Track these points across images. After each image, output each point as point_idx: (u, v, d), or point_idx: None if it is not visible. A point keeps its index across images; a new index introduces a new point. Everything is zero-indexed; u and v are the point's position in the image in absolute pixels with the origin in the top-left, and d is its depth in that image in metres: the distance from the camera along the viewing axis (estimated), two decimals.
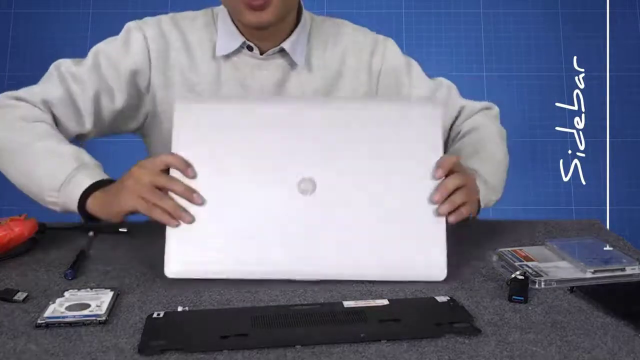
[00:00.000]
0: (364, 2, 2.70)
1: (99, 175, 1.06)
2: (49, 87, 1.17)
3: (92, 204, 1.03)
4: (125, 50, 1.19)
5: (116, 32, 1.23)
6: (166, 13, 1.25)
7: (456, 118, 1.30)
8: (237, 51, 1.19)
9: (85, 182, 1.04)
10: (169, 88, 1.21)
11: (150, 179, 0.93)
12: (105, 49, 1.20)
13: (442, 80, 1.32)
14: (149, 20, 1.23)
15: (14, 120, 1.12)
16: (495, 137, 1.24)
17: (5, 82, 2.58)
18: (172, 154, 0.92)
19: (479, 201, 1.07)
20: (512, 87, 2.71)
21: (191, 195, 0.91)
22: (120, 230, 1.13)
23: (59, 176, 1.05)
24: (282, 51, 1.19)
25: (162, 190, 0.93)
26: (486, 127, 1.26)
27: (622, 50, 2.72)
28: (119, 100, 1.20)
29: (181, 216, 0.90)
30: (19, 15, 2.67)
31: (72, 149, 1.10)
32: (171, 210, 0.91)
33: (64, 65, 1.19)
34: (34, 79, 1.22)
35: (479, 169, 1.12)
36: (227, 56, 1.20)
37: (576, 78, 2.71)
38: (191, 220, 0.90)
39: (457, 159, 0.94)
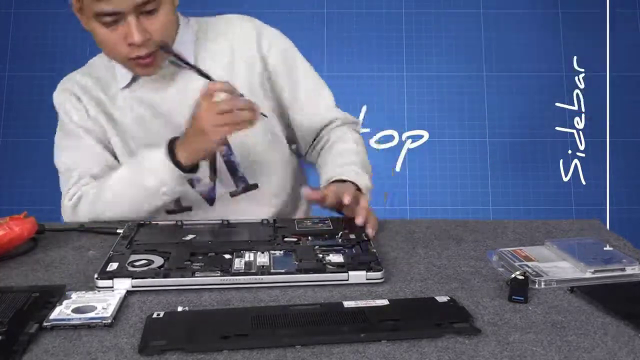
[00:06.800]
0: (364, 2, 2.70)
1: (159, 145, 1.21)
2: (82, 173, 1.31)
3: (184, 158, 1.18)
4: (67, 113, 1.32)
5: None
6: None
7: (325, 126, 1.42)
8: (134, 79, 1.30)
9: (159, 149, 1.19)
10: (101, 125, 1.32)
11: (218, 109, 1.13)
12: (62, 126, 1.34)
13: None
14: (62, 80, 1.35)
15: (88, 198, 1.29)
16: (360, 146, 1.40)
17: (5, 82, 2.58)
18: (214, 82, 1.16)
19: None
20: (512, 87, 2.71)
21: (251, 104, 1.13)
22: (118, 231, 1.13)
23: (141, 165, 1.22)
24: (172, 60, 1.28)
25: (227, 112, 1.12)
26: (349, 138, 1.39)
27: (622, 50, 2.72)
28: (105, 135, 1.33)
29: (256, 114, 1.13)
30: (19, 15, 2.67)
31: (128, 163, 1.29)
32: (251, 117, 1.13)
33: (63, 159, 1.34)
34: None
35: (357, 162, 1.32)
36: (129, 84, 1.31)
37: (576, 78, 2.71)
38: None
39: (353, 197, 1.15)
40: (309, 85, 1.39)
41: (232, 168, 1.33)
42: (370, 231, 1.10)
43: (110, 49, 1.21)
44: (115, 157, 1.34)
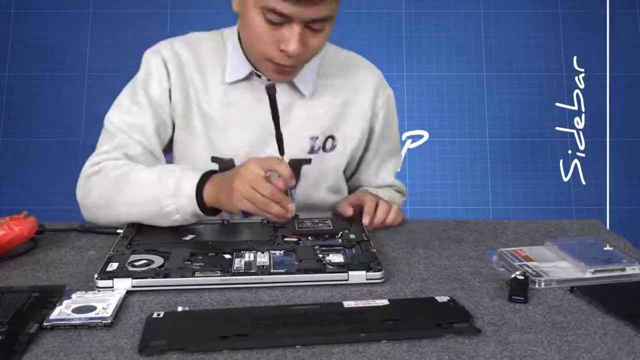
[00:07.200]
0: (364, 2, 2.70)
1: (199, 170, 1.12)
2: (122, 143, 1.21)
3: (208, 197, 1.10)
4: (148, 80, 1.24)
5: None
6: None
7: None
8: (246, 77, 1.23)
9: (194, 177, 1.10)
10: (186, 103, 1.25)
11: (256, 187, 1.02)
12: (135, 89, 1.24)
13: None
14: (162, 43, 1.27)
15: (106, 178, 1.17)
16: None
17: (5, 82, 2.58)
18: (280, 161, 1.06)
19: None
20: (512, 87, 2.71)
21: (286, 203, 1.03)
22: (118, 231, 1.13)
23: (169, 183, 1.10)
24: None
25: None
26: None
27: (622, 50, 2.72)
28: (171, 125, 1.26)
29: (286, 218, 1.05)
30: (19, 15, 2.67)
31: (164, 165, 1.21)
32: (278, 214, 1.04)
33: (116, 118, 1.23)
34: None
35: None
36: (236, 82, 1.23)
37: (576, 78, 2.71)
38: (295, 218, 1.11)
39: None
40: (390, 150, 1.40)
41: None
42: (365, 220, 1.17)
43: (258, 43, 1.13)
44: (166, 147, 1.29)
